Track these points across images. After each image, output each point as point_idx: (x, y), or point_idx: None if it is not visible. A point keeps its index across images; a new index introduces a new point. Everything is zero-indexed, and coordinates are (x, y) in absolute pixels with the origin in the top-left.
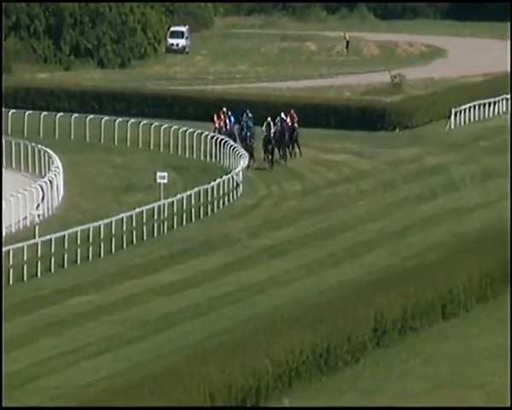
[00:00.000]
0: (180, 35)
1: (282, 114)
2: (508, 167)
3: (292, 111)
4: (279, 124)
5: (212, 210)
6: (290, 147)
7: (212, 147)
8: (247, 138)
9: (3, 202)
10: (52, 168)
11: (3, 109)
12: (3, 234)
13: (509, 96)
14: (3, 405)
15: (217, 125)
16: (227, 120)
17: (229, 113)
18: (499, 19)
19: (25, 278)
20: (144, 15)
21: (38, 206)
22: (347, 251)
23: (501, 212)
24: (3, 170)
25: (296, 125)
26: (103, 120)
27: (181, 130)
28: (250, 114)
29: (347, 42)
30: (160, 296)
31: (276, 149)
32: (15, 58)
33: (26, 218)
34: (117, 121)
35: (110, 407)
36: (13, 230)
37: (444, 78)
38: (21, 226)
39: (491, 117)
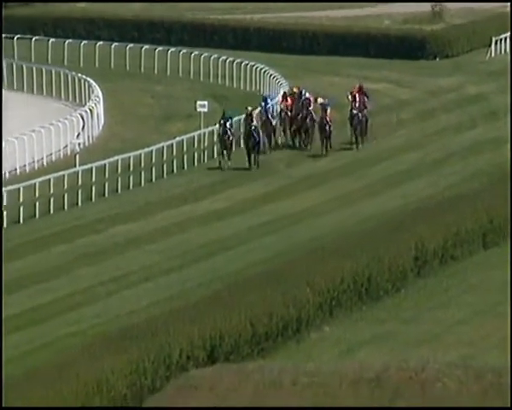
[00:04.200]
0: None
1: (306, 92)
2: None
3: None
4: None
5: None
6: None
7: (251, 75)
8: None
9: (43, 131)
10: (92, 97)
11: (43, 38)
12: (45, 162)
13: None
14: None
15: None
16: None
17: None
18: None
19: (65, 207)
20: None
21: (79, 135)
22: (386, 181)
23: None
24: (44, 98)
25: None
26: (143, 49)
27: (221, 59)
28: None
29: None
30: (200, 225)
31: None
32: None
33: (66, 147)
34: (157, 50)
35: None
36: (53, 158)
37: (484, 7)
38: (62, 155)
39: None
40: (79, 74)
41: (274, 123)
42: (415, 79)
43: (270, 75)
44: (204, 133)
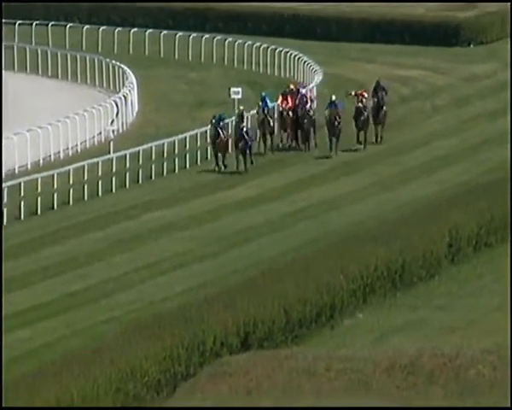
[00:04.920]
0: None
1: (302, 90)
2: None
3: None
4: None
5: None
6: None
7: (286, 62)
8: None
9: (77, 118)
10: (126, 84)
11: (78, 25)
12: (79, 149)
13: None
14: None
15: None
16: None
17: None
18: None
19: (100, 194)
20: None
21: (113, 121)
22: (421, 167)
23: None
24: (78, 85)
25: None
26: (177, 36)
27: (255, 45)
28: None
29: None
30: (233, 212)
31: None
32: None
33: (100, 133)
34: (191, 37)
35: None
36: (87, 145)
37: None
38: (96, 142)
39: None
40: (114, 61)
41: (272, 123)
42: (449, 65)
43: (304, 62)
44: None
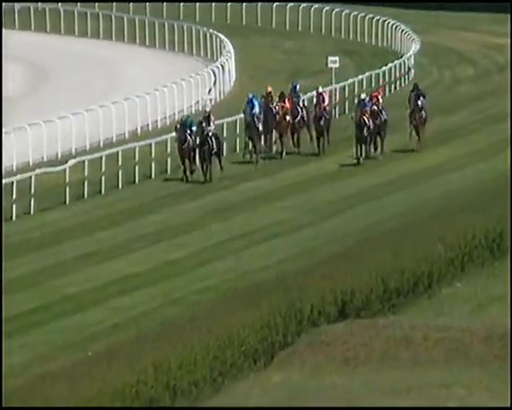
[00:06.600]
0: None
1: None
2: None
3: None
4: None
5: (384, 95)
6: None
7: (383, 31)
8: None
9: (175, 87)
10: (224, 53)
11: None
12: (176, 118)
13: None
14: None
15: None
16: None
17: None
18: None
19: (197, 163)
20: None
21: (210, 90)
22: None
23: None
24: (176, 54)
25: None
26: (274, 5)
27: (352, 14)
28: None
29: None
30: (327, 183)
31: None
32: None
33: (198, 102)
34: (288, 6)
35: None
36: (185, 114)
37: None
38: (194, 110)
39: None
40: (211, 30)
41: (260, 127)
42: None
43: (402, 30)
44: (335, 89)
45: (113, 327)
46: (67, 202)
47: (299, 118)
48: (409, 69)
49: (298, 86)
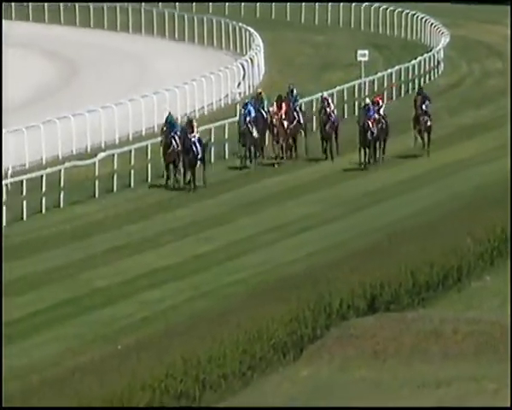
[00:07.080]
0: None
1: (325, 94)
2: None
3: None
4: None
5: (413, 88)
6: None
7: (412, 24)
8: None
9: (204, 80)
10: (253, 46)
11: None
12: (205, 111)
13: None
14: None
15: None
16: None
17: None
18: None
19: (226, 156)
20: None
21: (239, 84)
22: None
23: None
24: (205, 48)
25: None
26: (303, 4)
27: (381, 8)
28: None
29: None
30: (354, 177)
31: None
32: None
33: (227, 96)
34: (317, 4)
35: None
36: (214, 108)
37: None
38: (222, 104)
39: None
40: (240, 24)
41: (256, 134)
42: None
43: (431, 24)
44: (364, 82)
45: (143, 321)
46: (97, 195)
47: (295, 122)
48: (438, 63)
49: (295, 90)
